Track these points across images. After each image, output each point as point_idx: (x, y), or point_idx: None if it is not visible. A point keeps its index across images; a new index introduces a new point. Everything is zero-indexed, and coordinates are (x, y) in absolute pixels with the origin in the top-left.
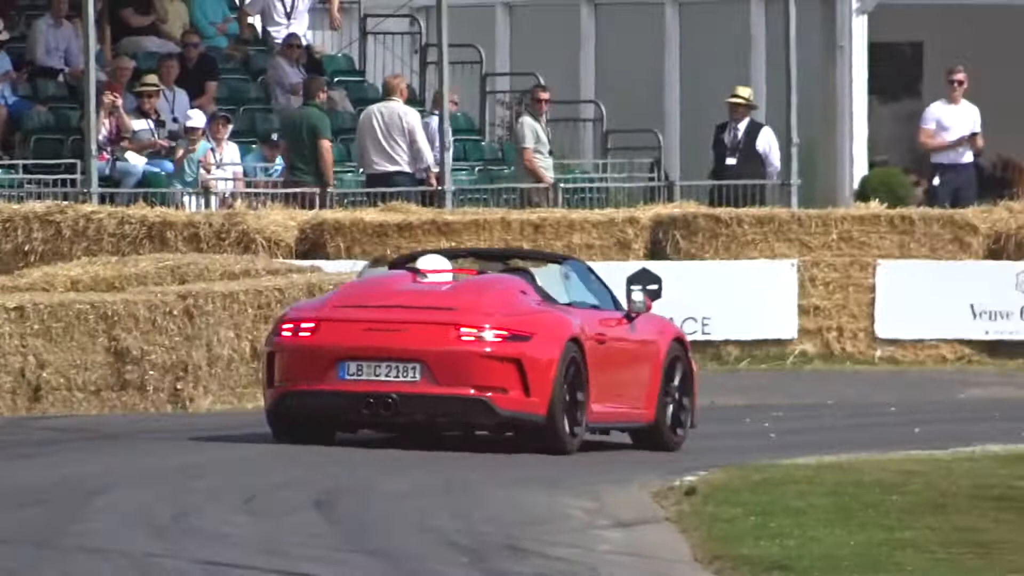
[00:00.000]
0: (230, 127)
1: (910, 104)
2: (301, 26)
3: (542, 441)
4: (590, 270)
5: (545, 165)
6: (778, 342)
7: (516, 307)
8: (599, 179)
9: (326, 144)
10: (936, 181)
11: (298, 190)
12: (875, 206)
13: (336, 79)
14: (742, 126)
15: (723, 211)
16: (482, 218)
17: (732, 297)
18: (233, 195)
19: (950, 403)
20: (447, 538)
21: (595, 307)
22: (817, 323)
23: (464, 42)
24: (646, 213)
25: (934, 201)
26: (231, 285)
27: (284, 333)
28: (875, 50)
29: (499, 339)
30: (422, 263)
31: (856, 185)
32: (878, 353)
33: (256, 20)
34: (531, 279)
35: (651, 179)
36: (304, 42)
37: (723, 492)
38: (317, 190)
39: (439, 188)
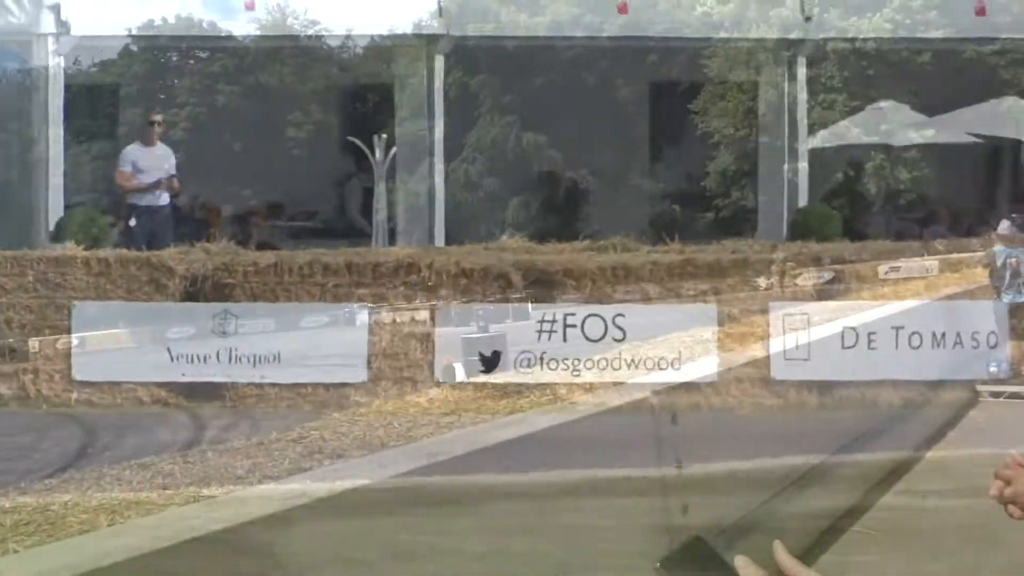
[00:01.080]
0: None
1: (108, 145)
2: None
3: None
4: None
5: None
6: None
7: None
8: None
9: None
10: (132, 223)
11: None
12: (71, 247)
13: None
14: None
15: None
16: None
17: None
18: None
19: (141, 446)
20: None
21: None
22: (14, 365)
23: None
24: None
25: (130, 243)
26: None
27: None
28: (73, 91)
29: None
30: None
31: (52, 227)
32: (75, 396)
33: None
34: None
35: None
36: None
37: None
38: None
39: None
